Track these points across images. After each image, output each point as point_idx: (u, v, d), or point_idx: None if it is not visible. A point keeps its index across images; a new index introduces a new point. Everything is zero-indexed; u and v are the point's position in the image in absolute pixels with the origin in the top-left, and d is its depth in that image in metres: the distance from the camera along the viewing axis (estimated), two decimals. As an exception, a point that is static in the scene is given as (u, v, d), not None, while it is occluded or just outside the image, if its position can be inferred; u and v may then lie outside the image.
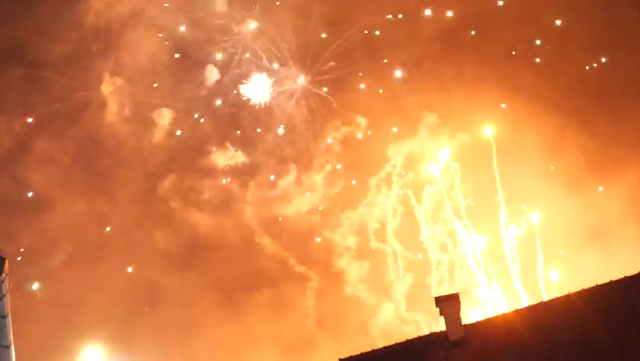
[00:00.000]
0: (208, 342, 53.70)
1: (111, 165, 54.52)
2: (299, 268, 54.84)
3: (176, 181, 55.18)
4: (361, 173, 54.06)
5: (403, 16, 54.34)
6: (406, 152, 53.01)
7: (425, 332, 50.95)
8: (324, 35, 54.28)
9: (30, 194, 53.83)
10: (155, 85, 54.29)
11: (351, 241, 54.67)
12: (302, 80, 54.48)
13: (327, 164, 54.26)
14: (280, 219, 55.63)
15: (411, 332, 51.75)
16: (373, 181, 53.38)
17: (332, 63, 54.02)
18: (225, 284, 55.23)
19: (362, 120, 53.73)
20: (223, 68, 54.24)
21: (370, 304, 54.06)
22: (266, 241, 55.10)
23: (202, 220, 55.23)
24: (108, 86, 53.01)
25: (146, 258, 54.27)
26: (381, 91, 54.64)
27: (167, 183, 54.59)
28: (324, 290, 54.97)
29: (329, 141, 53.93)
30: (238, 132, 55.09)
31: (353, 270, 54.54)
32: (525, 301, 50.31)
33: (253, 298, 54.68)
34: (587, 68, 56.04)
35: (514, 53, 55.94)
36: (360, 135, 53.89)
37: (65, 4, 52.79)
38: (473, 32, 55.37)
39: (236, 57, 53.86)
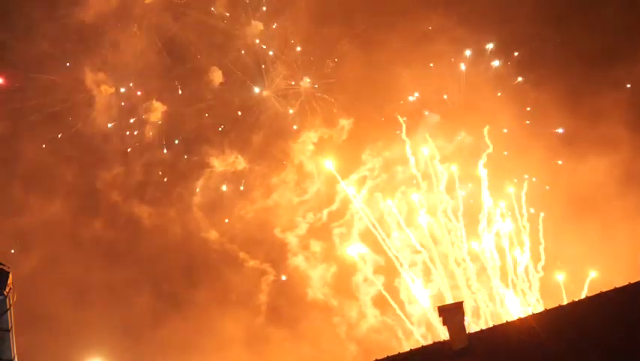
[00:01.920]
0: (155, 342, 54.33)
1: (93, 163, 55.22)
2: (252, 263, 55.57)
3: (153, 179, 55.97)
4: (342, 174, 55.00)
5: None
6: (387, 155, 54.29)
7: (399, 335, 52.88)
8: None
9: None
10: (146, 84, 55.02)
11: (317, 244, 55.54)
12: (306, 82, 55.39)
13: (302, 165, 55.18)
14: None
15: (384, 338, 53.10)
16: (348, 183, 54.34)
17: (332, 64, 55.08)
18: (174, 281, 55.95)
19: (345, 122, 54.77)
20: (227, 70, 55.13)
21: (337, 308, 55.05)
22: (213, 236, 55.82)
23: (148, 214, 55.82)
24: (108, 88, 53.35)
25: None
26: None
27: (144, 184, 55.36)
28: (289, 295, 55.94)
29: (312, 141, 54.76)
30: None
31: (317, 273, 55.38)
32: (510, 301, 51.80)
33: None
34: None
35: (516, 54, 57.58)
36: (344, 136, 54.97)
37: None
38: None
39: (241, 59, 54.80)
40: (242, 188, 56.51)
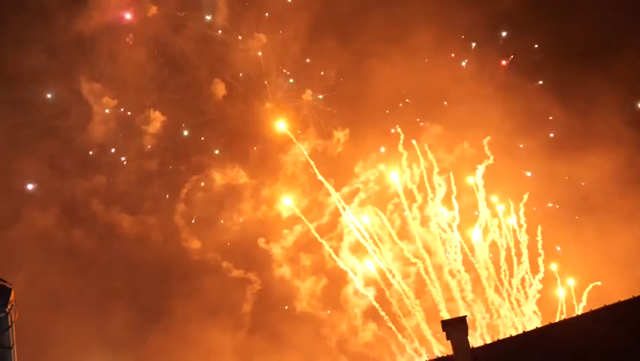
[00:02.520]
0: (137, 355, 54.43)
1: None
2: (236, 272, 55.82)
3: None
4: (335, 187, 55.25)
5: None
6: (382, 169, 54.66)
7: (393, 349, 53.06)
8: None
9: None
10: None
11: (306, 257, 55.69)
12: (308, 95, 55.80)
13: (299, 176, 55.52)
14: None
15: (376, 352, 53.31)
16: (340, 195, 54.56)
17: (334, 75, 55.65)
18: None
19: (341, 134, 55.19)
20: (228, 82, 55.55)
21: (327, 321, 55.24)
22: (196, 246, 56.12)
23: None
24: (109, 101, 53.68)
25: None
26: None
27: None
28: (276, 307, 56.13)
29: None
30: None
31: (306, 285, 55.53)
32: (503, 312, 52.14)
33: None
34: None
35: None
36: (340, 149, 55.35)
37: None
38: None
39: (241, 73, 55.33)
40: (234, 199, 56.59)
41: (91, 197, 56.16)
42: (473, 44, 57.56)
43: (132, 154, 56.51)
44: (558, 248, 54.15)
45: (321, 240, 54.73)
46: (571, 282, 53.37)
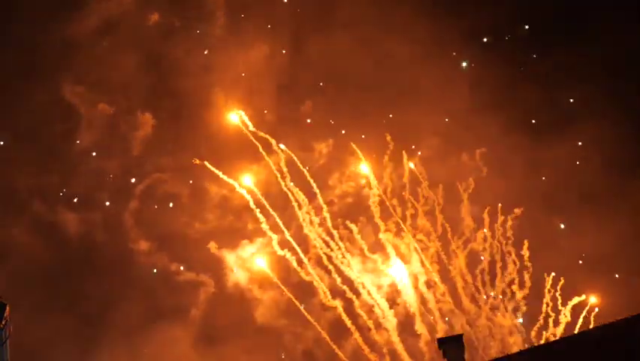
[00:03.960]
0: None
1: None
2: (188, 274, 55.85)
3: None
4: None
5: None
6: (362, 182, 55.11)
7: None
8: None
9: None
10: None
11: (273, 268, 55.82)
12: (307, 106, 56.29)
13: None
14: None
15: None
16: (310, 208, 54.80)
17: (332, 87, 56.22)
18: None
19: (322, 146, 55.52)
20: (222, 92, 55.70)
21: (290, 333, 55.38)
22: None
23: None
24: (106, 108, 53.58)
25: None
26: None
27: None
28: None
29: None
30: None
31: (268, 295, 55.64)
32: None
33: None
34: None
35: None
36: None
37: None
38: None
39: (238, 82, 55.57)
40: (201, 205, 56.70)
41: (36, 195, 55.99)
42: (484, 39, 58.03)
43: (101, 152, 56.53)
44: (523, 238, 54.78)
45: (281, 251, 54.88)
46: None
